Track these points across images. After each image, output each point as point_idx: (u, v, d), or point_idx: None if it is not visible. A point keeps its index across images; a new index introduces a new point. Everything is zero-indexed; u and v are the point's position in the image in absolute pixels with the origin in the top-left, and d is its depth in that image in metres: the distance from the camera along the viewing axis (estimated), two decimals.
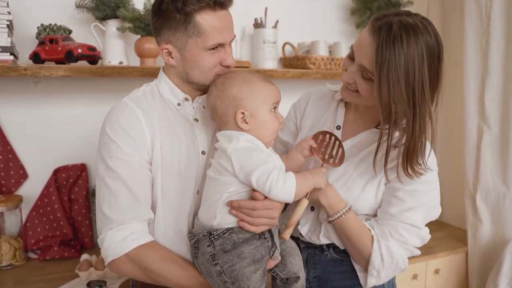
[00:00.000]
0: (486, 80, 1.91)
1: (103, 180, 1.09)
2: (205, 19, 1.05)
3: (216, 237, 1.01)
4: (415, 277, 1.93)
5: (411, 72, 0.97)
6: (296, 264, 1.10)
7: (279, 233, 1.13)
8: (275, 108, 1.08)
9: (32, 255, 1.77)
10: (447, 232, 2.21)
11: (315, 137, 1.13)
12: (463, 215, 2.10)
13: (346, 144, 1.17)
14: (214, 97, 1.08)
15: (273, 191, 0.98)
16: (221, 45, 1.09)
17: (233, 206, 1.01)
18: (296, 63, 2.06)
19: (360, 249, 1.13)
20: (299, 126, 1.31)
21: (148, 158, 1.10)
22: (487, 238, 1.98)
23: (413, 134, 1.01)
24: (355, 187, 1.14)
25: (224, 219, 1.03)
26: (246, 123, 1.05)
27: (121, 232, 1.06)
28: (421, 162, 1.05)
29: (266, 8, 2.00)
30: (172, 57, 1.10)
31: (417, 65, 0.97)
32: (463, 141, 2.02)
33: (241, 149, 1.01)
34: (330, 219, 1.13)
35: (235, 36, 1.13)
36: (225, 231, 1.02)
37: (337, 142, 1.14)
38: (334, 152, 1.12)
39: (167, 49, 1.09)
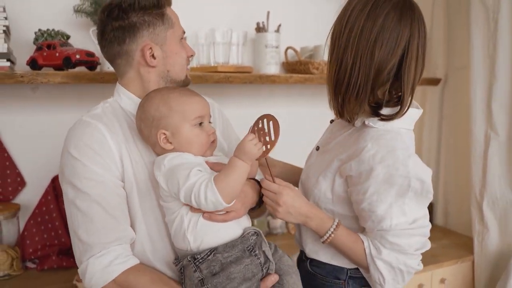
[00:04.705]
0: (494, 85, 1.87)
1: (74, 205, 1.03)
2: (170, 11, 1.15)
3: (200, 260, 0.98)
4: (420, 287, 1.89)
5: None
6: (294, 283, 1.07)
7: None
8: (201, 122, 1.04)
9: (30, 265, 1.74)
10: (452, 240, 2.17)
11: (252, 131, 1.05)
12: (469, 221, 2.05)
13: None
14: (138, 119, 1.06)
15: (203, 207, 0.96)
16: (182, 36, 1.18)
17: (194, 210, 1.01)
18: (299, 68, 2.02)
19: (360, 263, 1.10)
20: None
21: (119, 175, 1.06)
22: (494, 246, 1.94)
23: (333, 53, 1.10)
24: (311, 179, 1.16)
25: (198, 240, 1.00)
26: (170, 143, 1.03)
27: (105, 258, 1.00)
28: (355, 110, 1.07)
29: (268, 12, 1.96)
30: (154, 57, 1.10)
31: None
32: (469, 148, 1.98)
33: (165, 173, 0.99)
34: (322, 239, 1.10)
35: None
36: (208, 253, 0.98)
37: (265, 120, 1.03)
38: (267, 130, 1.02)
39: (151, 49, 1.09)
